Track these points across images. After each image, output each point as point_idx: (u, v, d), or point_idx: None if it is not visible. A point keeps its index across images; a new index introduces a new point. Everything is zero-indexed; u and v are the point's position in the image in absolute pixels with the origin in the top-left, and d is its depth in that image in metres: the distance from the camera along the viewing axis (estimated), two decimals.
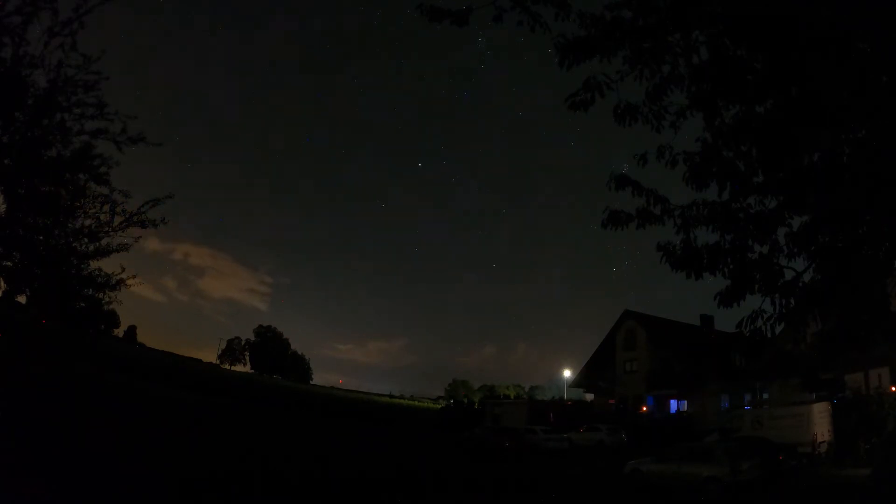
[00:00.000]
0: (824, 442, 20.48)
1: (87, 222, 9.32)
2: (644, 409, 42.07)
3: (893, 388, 23.17)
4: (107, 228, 9.36)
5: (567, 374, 60.34)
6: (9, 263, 9.07)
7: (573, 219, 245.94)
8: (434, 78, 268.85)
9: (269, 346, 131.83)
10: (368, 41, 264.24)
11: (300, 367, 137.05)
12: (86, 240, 9.43)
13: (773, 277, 5.00)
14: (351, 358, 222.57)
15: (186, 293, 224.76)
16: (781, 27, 4.25)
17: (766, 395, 33.91)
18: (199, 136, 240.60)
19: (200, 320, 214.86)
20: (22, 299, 14.98)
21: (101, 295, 11.11)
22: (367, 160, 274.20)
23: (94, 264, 10.07)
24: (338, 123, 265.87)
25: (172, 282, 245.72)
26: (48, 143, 8.08)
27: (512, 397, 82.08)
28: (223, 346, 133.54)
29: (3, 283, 10.27)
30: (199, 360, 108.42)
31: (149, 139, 8.71)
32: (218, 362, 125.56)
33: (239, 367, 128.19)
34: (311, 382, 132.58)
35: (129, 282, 10.66)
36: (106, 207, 9.29)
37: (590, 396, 51.58)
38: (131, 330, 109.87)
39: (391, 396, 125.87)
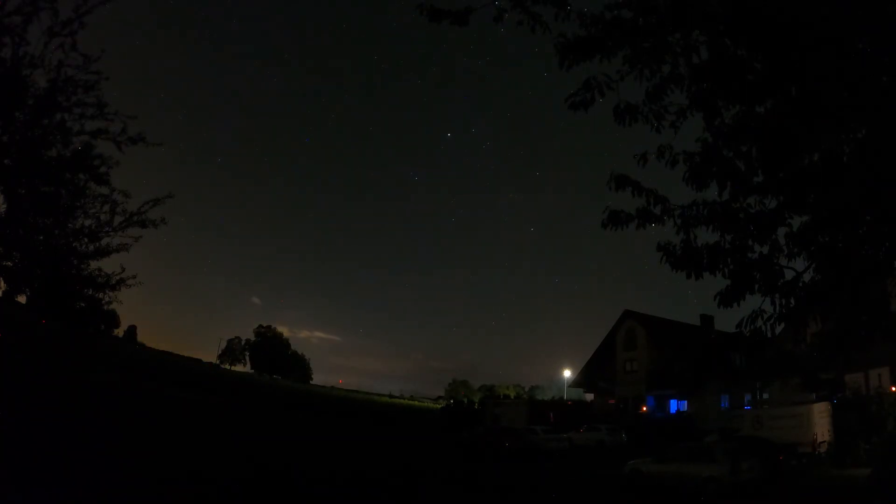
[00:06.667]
0: (824, 442, 20.47)
1: (87, 222, 9.31)
2: (644, 409, 42.06)
3: (893, 388, 23.17)
4: (107, 228, 9.35)
5: (567, 374, 60.43)
6: (9, 263, 9.07)
7: (573, 218, 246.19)
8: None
9: (268, 345, 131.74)
10: (371, 37, 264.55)
11: (300, 366, 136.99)
12: (86, 240, 9.41)
13: (773, 277, 4.99)
14: (351, 358, 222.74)
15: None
16: (781, 27, 4.25)
17: (766, 395, 33.92)
18: (200, 136, 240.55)
19: (201, 320, 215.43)
20: (22, 299, 14.99)
21: (101, 295, 11.09)
22: (365, 159, 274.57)
23: (93, 264, 10.06)
24: (338, 122, 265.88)
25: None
26: (48, 143, 8.09)
27: (512, 397, 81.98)
28: (223, 345, 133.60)
29: (3, 283, 10.27)
30: (199, 360, 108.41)
31: (149, 139, 8.74)
32: (218, 362, 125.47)
33: (239, 367, 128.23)
34: (311, 382, 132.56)
35: (129, 281, 10.66)
36: (106, 207, 9.29)
37: (590, 396, 51.57)
38: (131, 330, 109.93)
39: (391, 396, 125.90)
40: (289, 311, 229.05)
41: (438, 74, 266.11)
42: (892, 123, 4.34)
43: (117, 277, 10.46)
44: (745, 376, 34.03)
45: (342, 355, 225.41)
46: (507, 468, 22.27)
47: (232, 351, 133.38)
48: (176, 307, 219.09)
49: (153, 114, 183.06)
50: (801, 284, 4.98)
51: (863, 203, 4.62)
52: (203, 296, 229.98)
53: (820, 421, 20.92)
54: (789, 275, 5.05)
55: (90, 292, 11.13)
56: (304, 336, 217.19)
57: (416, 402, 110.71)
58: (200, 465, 14.17)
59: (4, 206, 8.26)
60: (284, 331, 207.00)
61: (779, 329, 4.96)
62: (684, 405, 40.04)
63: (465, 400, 74.05)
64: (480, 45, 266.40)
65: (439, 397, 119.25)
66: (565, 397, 58.08)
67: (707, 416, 34.25)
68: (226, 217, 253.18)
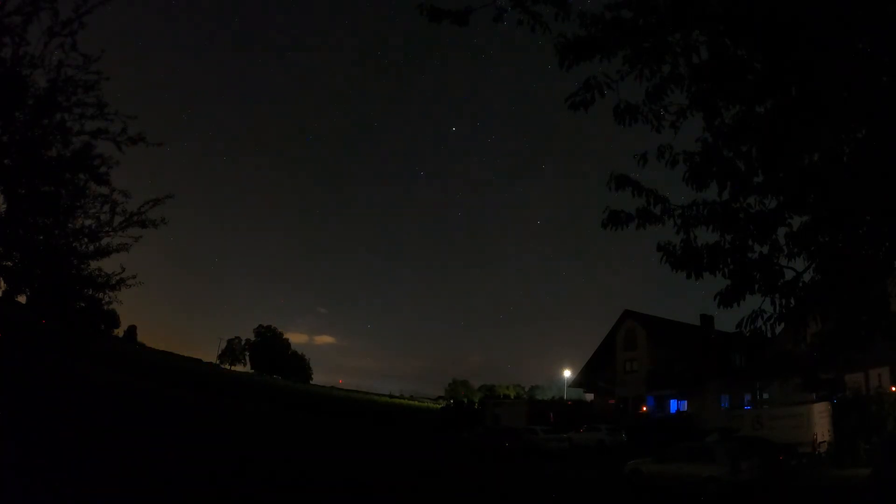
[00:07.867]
0: (824, 442, 20.48)
1: (87, 222, 9.33)
2: (644, 409, 42.06)
3: (893, 388, 23.16)
4: (107, 228, 9.37)
5: (567, 374, 60.43)
6: (9, 263, 9.08)
7: (573, 217, 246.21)
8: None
9: (269, 345, 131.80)
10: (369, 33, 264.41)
11: (300, 366, 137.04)
12: (86, 240, 9.43)
13: (773, 277, 4.99)
14: (351, 358, 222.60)
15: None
16: (781, 27, 4.25)
17: (766, 395, 33.92)
18: (200, 136, 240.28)
19: (201, 320, 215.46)
20: (22, 299, 14.99)
21: (101, 295, 11.11)
22: (369, 155, 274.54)
23: (93, 264, 10.07)
24: (340, 120, 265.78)
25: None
26: (48, 143, 8.09)
27: (512, 397, 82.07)
28: (223, 345, 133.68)
29: (3, 283, 10.28)
30: (199, 360, 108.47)
31: (149, 139, 8.75)
32: (218, 362, 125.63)
33: (239, 367, 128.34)
34: (311, 382, 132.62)
35: (129, 281, 10.68)
36: (106, 207, 9.30)
37: (590, 396, 51.57)
38: (131, 330, 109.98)
39: (391, 396, 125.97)
40: (307, 316, 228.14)
41: (442, 68, 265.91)
42: (893, 123, 4.34)
43: (117, 277, 10.50)
44: (745, 376, 34.08)
45: (342, 355, 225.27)
46: (507, 468, 22.27)
47: (232, 351, 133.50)
48: (176, 307, 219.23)
49: (153, 114, 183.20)
50: (801, 284, 4.98)
51: (863, 203, 4.61)
52: (203, 296, 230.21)
53: (820, 421, 20.93)
54: (789, 275, 5.04)
55: (90, 292, 11.16)
56: (322, 343, 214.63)
57: (416, 402, 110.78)
58: (199, 465, 14.16)
59: (4, 206, 8.27)
60: (303, 338, 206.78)
61: (779, 329, 4.96)
62: (684, 405, 40.04)
63: (465, 400, 74.14)
64: (485, 39, 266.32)
65: (439, 397, 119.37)
66: (565, 397, 58.08)
67: (707, 416, 34.24)
68: (226, 217, 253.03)
